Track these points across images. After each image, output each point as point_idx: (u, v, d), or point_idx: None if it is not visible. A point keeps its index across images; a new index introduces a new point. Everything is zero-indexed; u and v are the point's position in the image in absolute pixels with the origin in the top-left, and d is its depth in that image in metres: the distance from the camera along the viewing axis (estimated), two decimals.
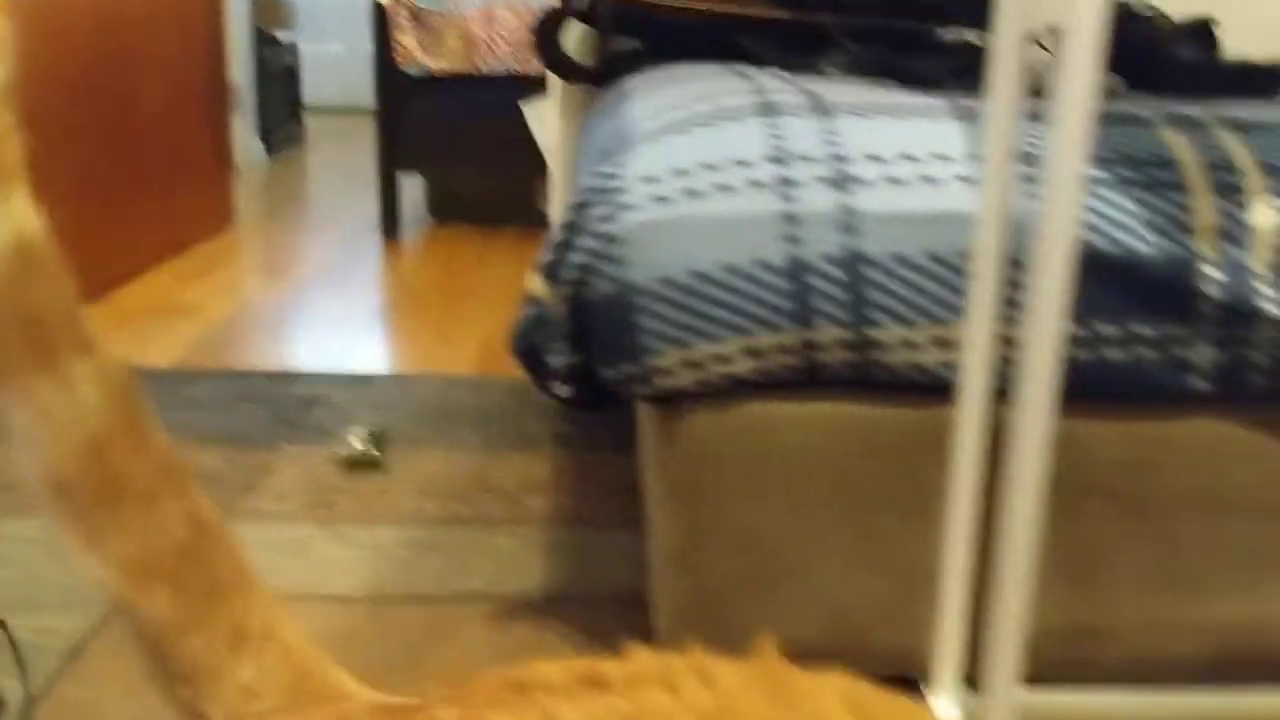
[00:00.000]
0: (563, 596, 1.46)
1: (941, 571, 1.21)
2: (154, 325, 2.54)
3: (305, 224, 3.67)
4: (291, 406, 2.05)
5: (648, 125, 1.28)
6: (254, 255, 3.25)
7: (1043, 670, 1.25)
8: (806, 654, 1.35)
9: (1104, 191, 1.14)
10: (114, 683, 1.30)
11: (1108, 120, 1.24)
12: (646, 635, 1.32)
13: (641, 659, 0.58)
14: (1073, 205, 0.92)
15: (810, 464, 1.19)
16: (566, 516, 1.66)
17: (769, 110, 1.23)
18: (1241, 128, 1.22)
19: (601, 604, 1.44)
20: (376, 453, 1.80)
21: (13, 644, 1.34)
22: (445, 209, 3.76)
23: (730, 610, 1.23)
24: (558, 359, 1.21)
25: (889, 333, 1.14)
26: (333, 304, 2.77)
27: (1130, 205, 1.13)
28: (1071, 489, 1.20)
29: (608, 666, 0.57)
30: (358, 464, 1.79)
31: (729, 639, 1.28)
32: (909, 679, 1.26)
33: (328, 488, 1.74)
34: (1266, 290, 1.13)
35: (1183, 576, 1.22)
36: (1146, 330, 1.14)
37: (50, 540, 1.51)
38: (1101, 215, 1.13)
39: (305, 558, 1.55)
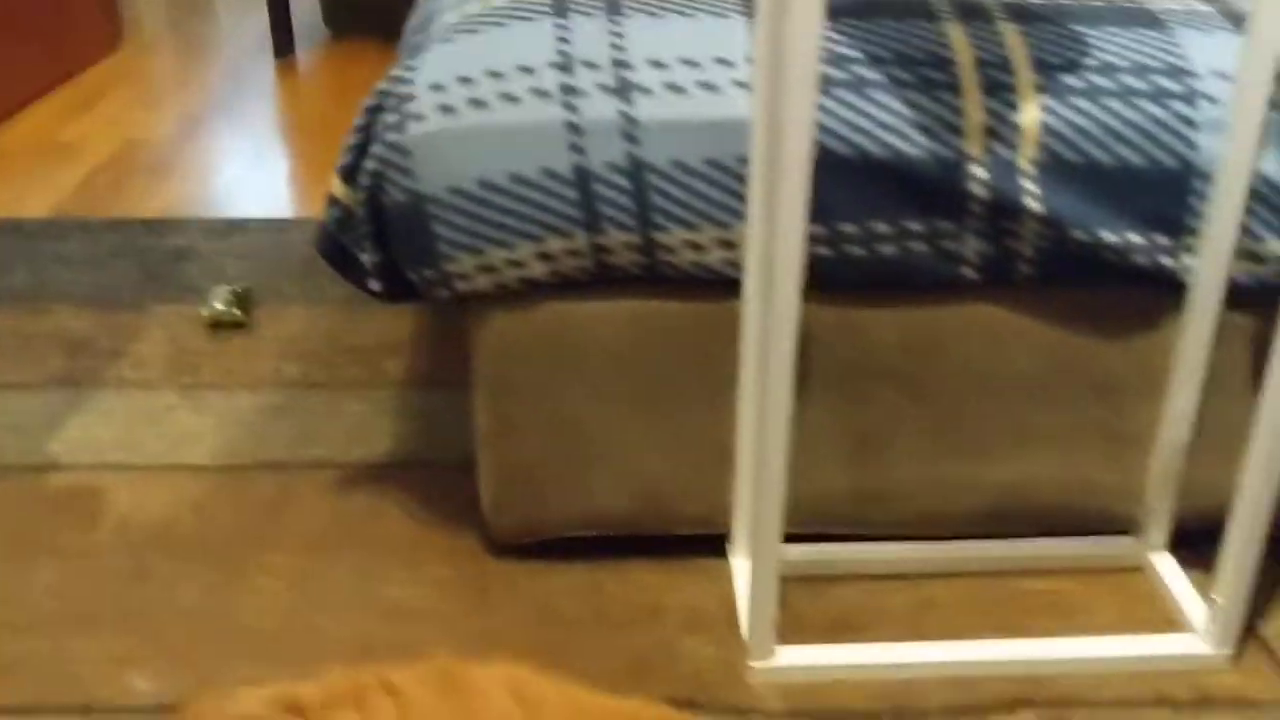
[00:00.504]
0: (406, 462, 1.55)
1: (735, 445, 1.30)
2: (32, 169, 2.52)
3: (200, 39, 3.57)
4: (163, 260, 2.08)
5: (446, 20, 1.28)
6: (141, 82, 3.18)
7: (836, 525, 1.38)
8: (619, 523, 1.45)
9: (878, 95, 1.17)
10: None
11: (896, 11, 1.26)
12: (477, 503, 1.41)
13: (334, 679, 0.67)
14: (807, 97, 0.96)
15: (607, 355, 1.26)
16: (420, 378, 1.74)
17: (561, 9, 1.23)
18: (1024, 18, 1.25)
19: (442, 471, 1.53)
20: (240, 313, 1.85)
21: None
22: (342, 19, 3.65)
23: (545, 487, 1.33)
24: (365, 257, 1.25)
25: (674, 236, 1.19)
26: (217, 139, 2.74)
27: (902, 108, 1.17)
28: (857, 372, 1.28)
29: (304, 691, 0.66)
30: (222, 325, 1.84)
31: (546, 512, 1.38)
32: (714, 536, 1.38)
33: (191, 352, 1.79)
34: (1031, 186, 1.18)
35: (959, 445, 1.32)
36: (918, 226, 1.19)
37: None
38: (873, 119, 1.16)
39: (163, 427, 1.63)
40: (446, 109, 1.17)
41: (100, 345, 1.82)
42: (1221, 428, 1.29)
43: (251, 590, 1.34)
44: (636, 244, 1.19)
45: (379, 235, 1.23)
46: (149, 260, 2.08)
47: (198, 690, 1.19)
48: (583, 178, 1.16)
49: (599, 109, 1.16)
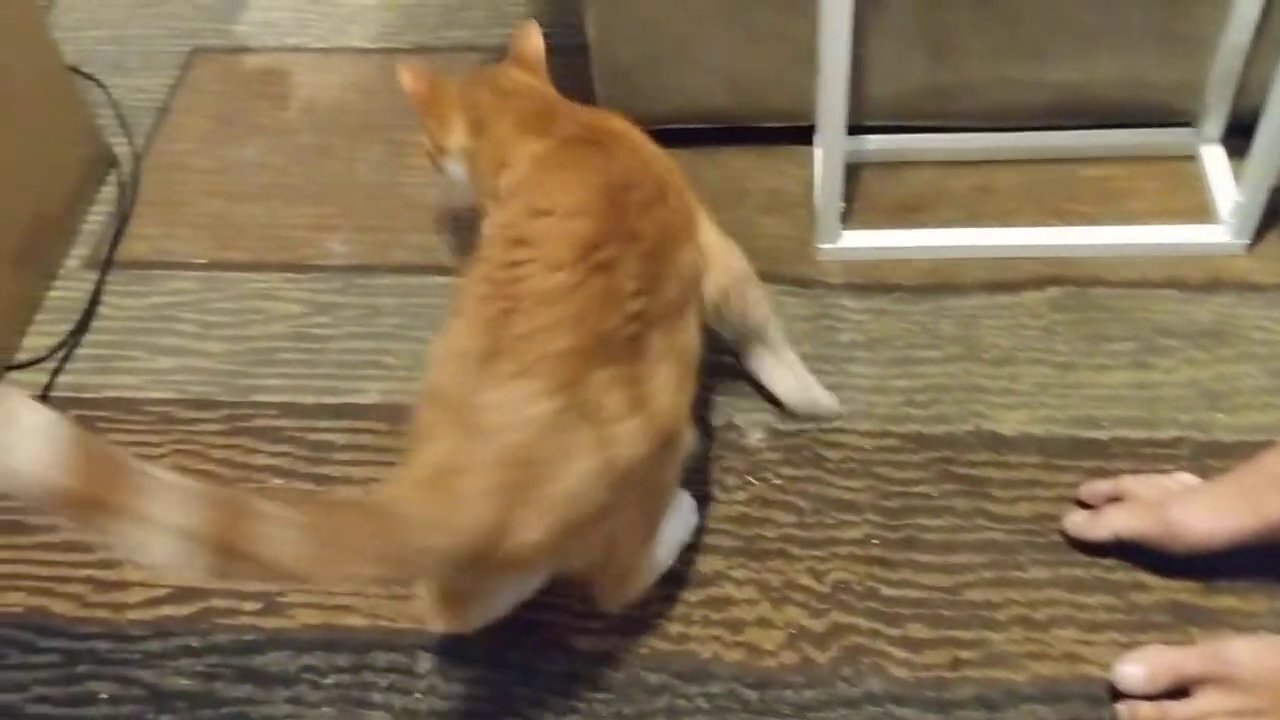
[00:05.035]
0: None
1: (819, 44, 1.44)
2: None
3: None
4: None
5: None
6: None
7: (913, 118, 1.54)
8: (715, 115, 1.66)
9: None
10: (196, 138, 1.69)
11: None
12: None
13: None
14: None
15: None
16: None
17: None
18: None
19: (569, 54, 1.69)
20: None
21: (114, 107, 1.73)
22: None
23: (648, 86, 1.51)
24: None
25: None
26: None
27: None
28: None
29: None
30: None
31: (650, 106, 1.59)
32: (803, 128, 1.55)
33: None
34: None
35: (1026, 47, 1.43)
36: None
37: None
38: None
39: (326, 6, 1.84)
40: None
41: None
42: None
43: (412, 168, 1.62)
44: None
45: None
46: None
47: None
48: None
49: None
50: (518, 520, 0.85)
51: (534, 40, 1.29)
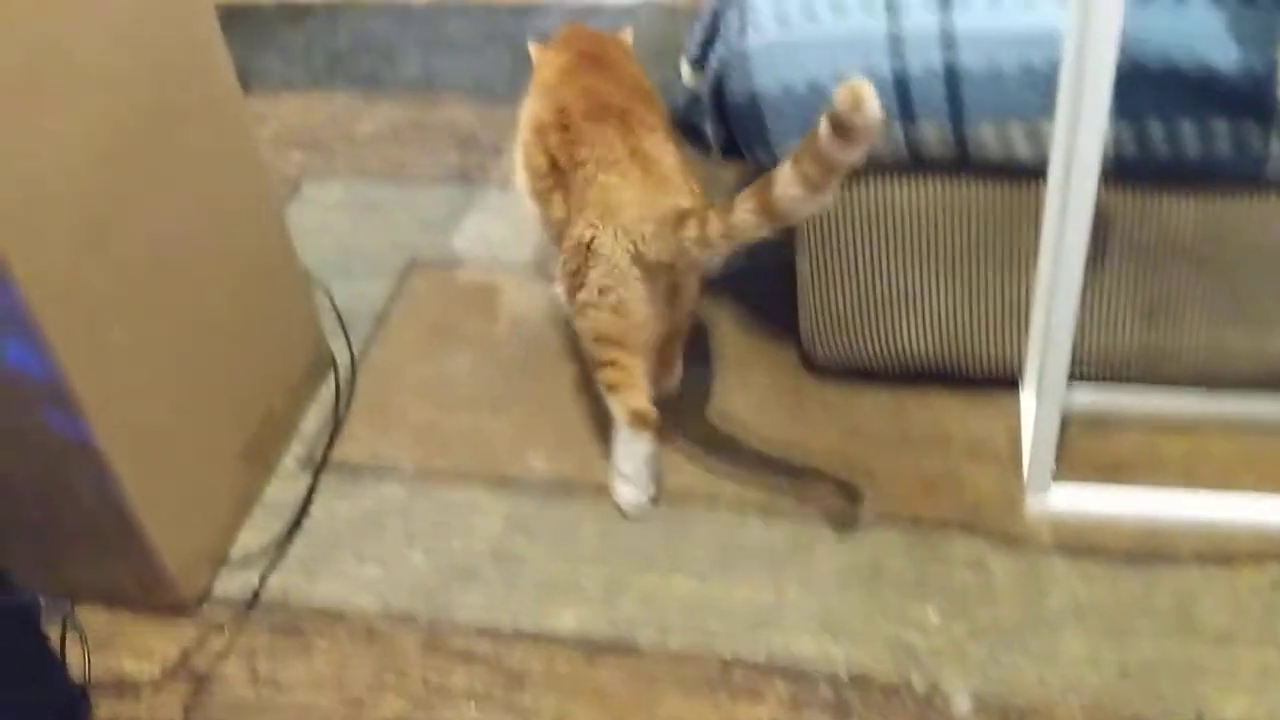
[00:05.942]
0: (737, 273, 1.77)
1: (1029, 302, 1.45)
2: None
3: None
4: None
5: None
6: None
7: (1123, 376, 1.52)
8: (922, 363, 1.65)
9: (1196, 8, 1.21)
10: (410, 345, 1.77)
11: None
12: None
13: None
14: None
15: (917, 227, 1.42)
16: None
17: None
18: None
19: (768, 286, 1.73)
20: None
21: (337, 312, 1.83)
22: None
23: (856, 330, 1.54)
24: (710, 131, 1.45)
25: (984, 131, 1.31)
26: None
27: (1218, 20, 1.20)
28: (1153, 250, 1.39)
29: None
30: None
31: (855, 350, 1.59)
32: (1008, 379, 1.55)
33: None
34: None
35: (1247, 315, 1.41)
36: (1224, 128, 1.25)
37: (355, 203, 1.96)
38: (1189, 32, 1.21)
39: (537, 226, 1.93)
40: (782, 19, 1.31)
41: (486, 142, 2.13)
42: None
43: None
44: (948, 138, 1.32)
45: (721, 115, 1.42)
46: (520, 46, 2.33)
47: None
48: (902, 82, 1.29)
49: (919, 21, 1.27)
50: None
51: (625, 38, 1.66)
